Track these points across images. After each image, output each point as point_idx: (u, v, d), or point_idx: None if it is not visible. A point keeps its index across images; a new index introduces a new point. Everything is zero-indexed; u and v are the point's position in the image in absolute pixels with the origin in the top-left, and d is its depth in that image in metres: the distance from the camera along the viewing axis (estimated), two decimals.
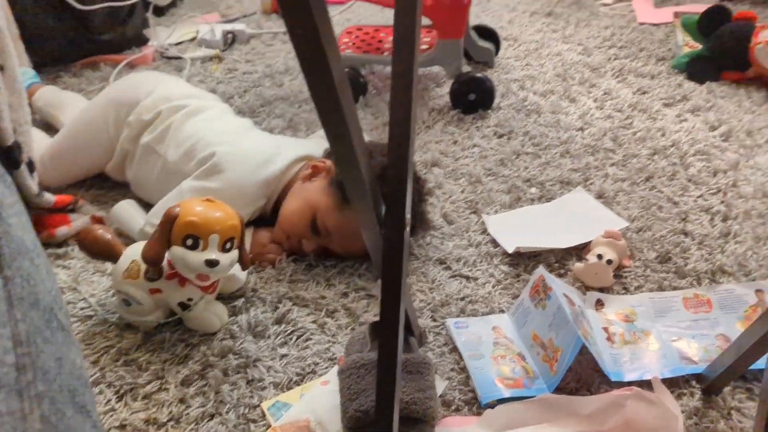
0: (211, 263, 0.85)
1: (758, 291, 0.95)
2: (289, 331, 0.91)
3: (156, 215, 0.99)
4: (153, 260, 0.85)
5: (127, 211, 1.08)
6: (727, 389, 0.82)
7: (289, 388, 0.83)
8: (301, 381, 0.84)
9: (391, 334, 0.62)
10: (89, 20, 1.63)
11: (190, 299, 0.89)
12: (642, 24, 1.86)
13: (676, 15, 1.86)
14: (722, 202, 1.15)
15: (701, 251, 1.04)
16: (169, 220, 0.86)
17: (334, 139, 0.48)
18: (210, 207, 0.89)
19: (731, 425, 0.78)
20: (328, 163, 1.04)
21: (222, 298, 0.95)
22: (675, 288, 0.97)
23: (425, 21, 1.78)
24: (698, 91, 1.50)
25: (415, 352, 0.81)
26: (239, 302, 0.96)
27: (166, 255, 0.86)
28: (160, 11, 1.92)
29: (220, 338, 0.90)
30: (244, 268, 0.94)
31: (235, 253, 0.89)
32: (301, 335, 0.91)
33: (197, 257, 0.85)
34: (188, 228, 0.85)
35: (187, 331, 0.90)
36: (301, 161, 1.08)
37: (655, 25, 1.85)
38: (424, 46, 1.51)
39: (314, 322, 0.93)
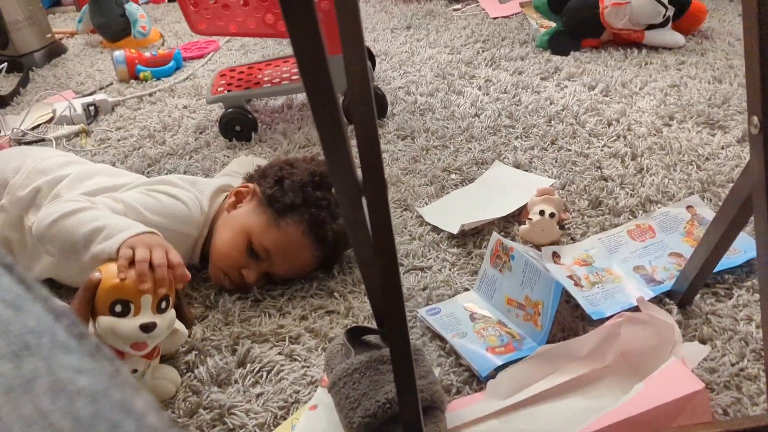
0: (147, 328, 0.75)
1: (689, 207, 1.00)
2: (256, 370, 0.83)
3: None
4: None
5: None
6: (696, 298, 0.84)
7: (276, 425, 0.75)
8: (287, 413, 0.76)
9: (397, 314, 0.57)
10: None
11: (134, 370, 0.78)
12: (495, 18, 1.98)
13: (522, 5, 2.00)
14: (625, 144, 1.21)
15: (624, 190, 1.09)
16: (91, 288, 0.76)
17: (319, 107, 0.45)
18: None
19: (713, 327, 0.80)
20: (251, 185, 0.98)
21: (169, 358, 0.85)
22: (616, 225, 1.00)
23: None
24: (566, 62, 1.60)
25: None
26: (191, 356, 0.86)
27: (91, 328, 0.76)
28: (3, 101, 1.76)
29: (183, 398, 0.80)
30: (188, 326, 0.85)
31: (172, 312, 0.79)
32: (271, 369, 0.83)
33: (129, 324, 0.75)
34: (115, 293, 0.76)
35: None
36: (221, 193, 1.01)
37: (506, 17, 1.97)
38: None
39: (280, 353, 0.85)
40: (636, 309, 0.77)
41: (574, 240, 0.99)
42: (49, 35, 2.07)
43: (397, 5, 2.22)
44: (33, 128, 1.60)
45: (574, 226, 1.02)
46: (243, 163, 1.22)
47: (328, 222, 0.93)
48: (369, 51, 1.68)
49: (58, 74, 1.96)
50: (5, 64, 1.80)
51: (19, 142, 1.55)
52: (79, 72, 1.95)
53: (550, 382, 0.74)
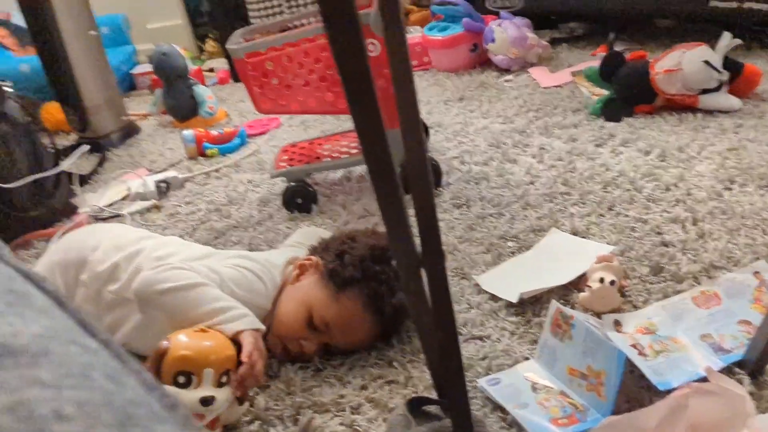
0: (206, 401, 0.78)
1: (756, 273, 0.97)
2: None
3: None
4: None
5: None
6: None
7: None
8: None
9: (458, 385, 0.58)
10: (13, 199, 1.58)
11: None
12: (547, 88, 2.01)
13: (573, 74, 2.03)
14: (685, 209, 1.20)
15: (686, 255, 1.07)
16: (158, 356, 0.80)
17: (370, 147, 0.48)
18: (203, 338, 0.83)
19: None
20: (315, 258, 1.01)
21: (232, 428, 0.87)
22: (679, 292, 0.98)
23: None
24: (620, 128, 1.61)
25: None
26: (255, 426, 0.88)
27: None
28: (83, 179, 1.89)
29: None
30: (241, 403, 0.87)
31: (228, 389, 0.82)
32: None
33: (190, 396, 0.78)
34: (180, 364, 0.79)
35: None
36: (288, 265, 1.05)
37: (557, 86, 2.00)
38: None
39: (342, 423, 0.86)
40: (704, 379, 0.75)
41: (635, 307, 0.97)
42: (125, 117, 2.23)
43: (450, 78, 2.29)
44: (109, 205, 1.71)
45: (635, 293, 1.00)
46: (306, 234, 1.26)
47: (387, 296, 0.95)
48: (423, 123, 1.74)
49: (133, 153, 2.09)
50: (87, 147, 1.93)
51: (97, 219, 1.66)
52: (151, 151, 2.08)
53: None
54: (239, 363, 0.84)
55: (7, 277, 0.33)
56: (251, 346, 0.86)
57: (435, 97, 2.13)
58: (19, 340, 0.26)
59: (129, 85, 2.90)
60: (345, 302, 0.95)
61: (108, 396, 0.25)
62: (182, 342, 0.82)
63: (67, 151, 1.94)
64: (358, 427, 0.85)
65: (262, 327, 0.91)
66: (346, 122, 2.04)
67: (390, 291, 0.95)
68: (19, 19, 2.81)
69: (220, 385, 0.80)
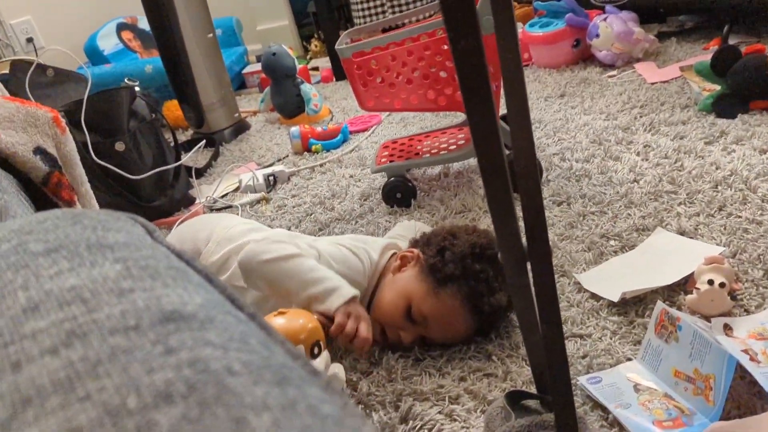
0: None
1: None
2: (418, 427, 0.87)
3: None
4: None
5: None
6: None
7: None
8: None
9: (562, 379, 0.59)
10: (140, 190, 1.72)
11: None
12: (653, 83, 1.94)
13: (682, 69, 1.95)
14: None
15: None
16: None
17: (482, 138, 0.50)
18: (287, 318, 0.88)
19: None
20: (416, 251, 1.05)
21: None
22: None
23: (459, 116, 1.87)
24: (733, 125, 1.53)
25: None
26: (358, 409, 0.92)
27: None
28: (199, 172, 2.02)
29: None
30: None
31: (325, 354, 0.87)
32: (432, 427, 0.87)
33: None
34: None
35: None
36: (389, 250, 1.09)
37: (665, 82, 1.93)
38: (461, 142, 1.57)
39: (440, 412, 0.89)
40: None
41: (748, 312, 0.94)
42: (236, 114, 2.36)
43: (551, 75, 2.26)
44: (222, 196, 1.82)
45: (748, 297, 0.97)
46: (406, 227, 1.30)
47: (485, 295, 0.97)
48: None
49: (243, 148, 2.21)
50: (203, 141, 2.07)
51: (211, 209, 1.78)
52: (260, 146, 2.20)
53: None
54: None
55: (165, 255, 0.38)
56: (341, 317, 0.93)
57: (535, 93, 2.11)
58: (188, 309, 0.31)
59: (240, 83, 3.06)
60: (444, 298, 0.97)
61: (265, 359, 0.29)
62: (271, 319, 0.87)
63: (185, 146, 2.08)
64: (456, 417, 0.87)
65: (356, 292, 0.97)
66: (444, 119, 2.06)
67: (489, 289, 0.97)
68: (144, 24, 3.05)
69: (312, 356, 0.85)
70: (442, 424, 0.87)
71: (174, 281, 0.34)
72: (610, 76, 2.11)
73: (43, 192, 0.78)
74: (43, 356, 0.26)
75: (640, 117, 1.72)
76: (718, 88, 1.66)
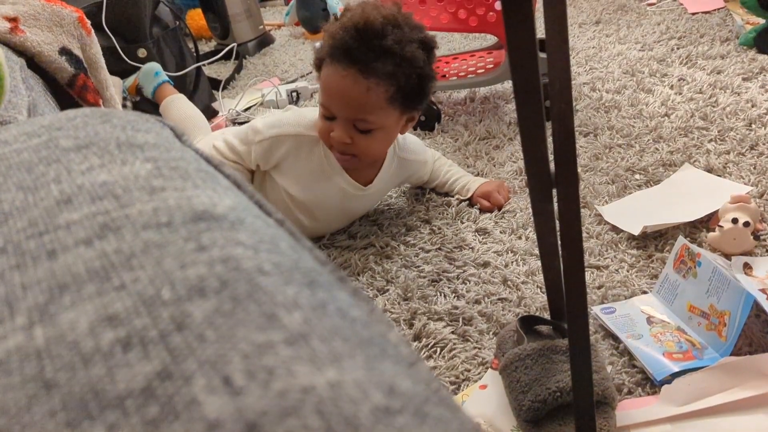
0: None
1: None
2: (431, 345, 0.89)
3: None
4: None
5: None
6: None
7: None
8: (458, 389, 0.82)
9: (579, 304, 0.60)
10: None
11: None
12: (694, 14, 1.86)
13: (726, 0, 1.86)
14: None
15: None
16: None
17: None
18: None
19: None
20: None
21: None
22: None
23: (489, 39, 1.81)
24: None
25: None
26: None
27: None
28: (222, 85, 2.00)
29: None
30: None
31: None
32: (445, 346, 0.89)
33: None
34: None
35: None
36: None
37: (707, 12, 1.85)
38: (489, 66, 1.53)
39: (453, 332, 0.91)
40: None
41: None
42: (261, 27, 2.31)
43: (588, 0, 2.17)
44: (245, 110, 1.81)
45: None
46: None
47: (355, 47, 0.93)
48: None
49: (267, 62, 2.18)
50: (231, 46, 2.03)
51: (234, 122, 1.77)
52: (284, 61, 2.16)
53: (732, 395, 0.72)
54: None
55: (195, 158, 0.38)
56: None
57: (570, 19, 2.02)
58: (218, 210, 0.31)
59: None
60: (324, 72, 0.97)
61: (295, 262, 0.29)
62: None
63: (208, 56, 2.05)
64: (469, 338, 0.89)
65: None
66: (473, 41, 2.00)
67: (368, 46, 0.93)
68: None
69: None
70: (454, 344, 0.89)
71: (204, 183, 0.34)
72: (650, 4, 2.02)
73: (68, 94, 0.77)
74: (77, 246, 0.26)
75: (677, 49, 1.65)
76: (762, 21, 1.59)
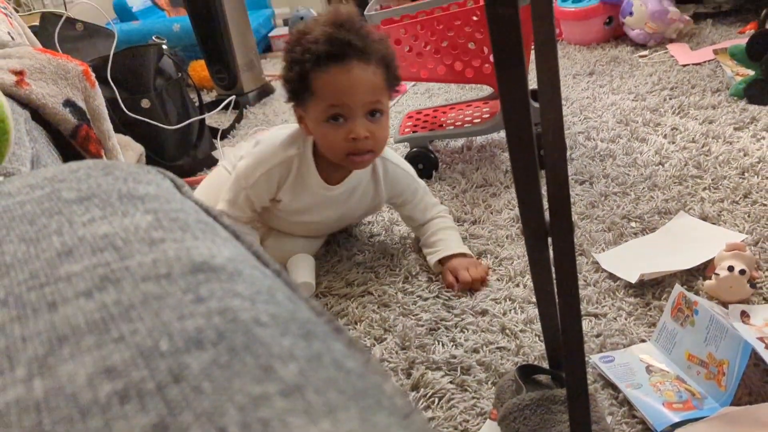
0: None
1: None
2: (429, 395, 0.88)
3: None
4: None
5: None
6: None
7: None
8: None
9: (576, 353, 0.60)
10: (164, 149, 1.73)
11: None
12: (685, 65, 1.90)
13: (716, 52, 1.91)
14: None
15: None
16: None
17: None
18: None
19: None
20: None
21: None
22: None
23: (485, 90, 1.85)
24: (765, 112, 1.50)
25: None
26: None
27: None
28: (222, 134, 2.03)
29: None
30: None
31: None
32: (443, 396, 0.88)
33: None
34: None
35: None
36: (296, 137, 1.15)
37: (697, 64, 1.89)
38: (485, 115, 1.56)
39: (451, 382, 0.90)
40: None
41: (766, 300, 0.93)
42: (262, 77, 2.36)
43: (581, 51, 2.22)
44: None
45: None
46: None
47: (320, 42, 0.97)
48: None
49: (267, 112, 2.21)
50: (233, 97, 2.07)
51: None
52: (284, 110, 2.19)
53: None
54: None
55: (194, 209, 0.38)
56: None
57: (564, 70, 2.08)
58: (217, 261, 0.31)
59: (266, 46, 3.05)
60: (313, 80, 0.99)
61: (292, 313, 0.30)
62: None
63: (210, 106, 2.08)
64: (468, 387, 0.88)
65: None
66: (470, 92, 2.04)
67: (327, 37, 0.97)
68: None
69: None
70: (452, 394, 0.88)
71: (203, 234, 0.34)
72: (642, 56, 2.07)
73: (71, 145, 0.79)
74: (78, 298, 0.26)
75: (670, 99, 1.69)
76: (751, 73, 1.62)
